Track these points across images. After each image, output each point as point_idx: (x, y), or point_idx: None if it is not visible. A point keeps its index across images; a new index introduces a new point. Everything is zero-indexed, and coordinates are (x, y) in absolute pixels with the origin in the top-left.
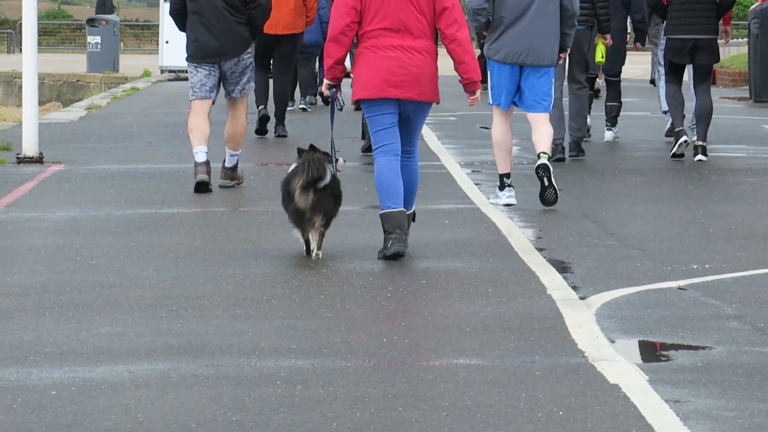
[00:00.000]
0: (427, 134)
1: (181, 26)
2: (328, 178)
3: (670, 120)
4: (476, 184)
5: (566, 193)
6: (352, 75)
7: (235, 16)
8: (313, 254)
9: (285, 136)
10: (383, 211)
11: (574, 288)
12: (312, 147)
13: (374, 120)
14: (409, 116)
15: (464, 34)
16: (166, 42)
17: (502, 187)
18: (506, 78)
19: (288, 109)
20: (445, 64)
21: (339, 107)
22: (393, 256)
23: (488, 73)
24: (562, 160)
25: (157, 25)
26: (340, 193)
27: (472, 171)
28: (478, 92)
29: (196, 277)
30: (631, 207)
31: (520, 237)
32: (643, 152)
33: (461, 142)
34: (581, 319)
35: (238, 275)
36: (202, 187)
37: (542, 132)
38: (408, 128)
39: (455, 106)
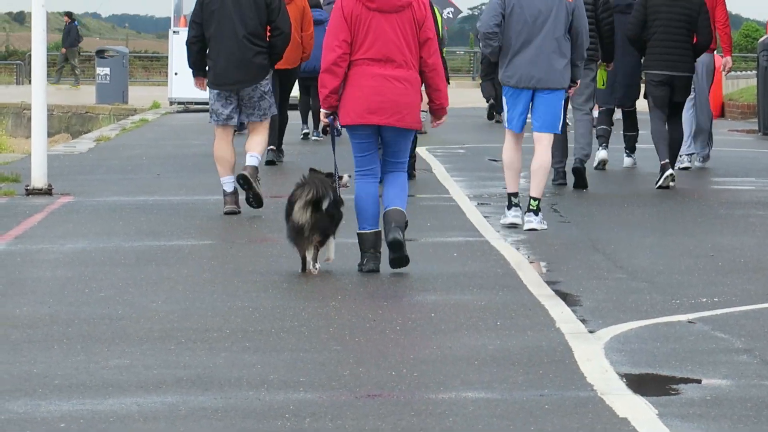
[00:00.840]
0: (436, 166)
1: (195, 55)
2: (329, 200)
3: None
4: (485, 217)
5: (575, 224)
6: None
7: (256, 45)
8: (309, 267)
9: (274, 163)
10: (359, 232)
11: (583, 321)
12: (312, 170)
13: (355, 145)
14: (390, 142)
15: (440, 62)
16: (175, 74)
17: (509, 206)
18: (520, 101)
19: (303, 137)
20: (456, 96)
21: (338, 133)
22: (369, 272)
23: (503, 99)
24: (564, 185)
25: (166, 57)
26: (340, 213)
27: (481, 203)
28: (444, 118)
29: (205, 309)
30: (641, 239)
31: (528, 269)
32: (653, 183)
33: (470, 174)
34: (590, 353)
35: (246, 307)
36: (231, 212)
37: (539, 162)
38: (391, 152)
39: (464, 138)
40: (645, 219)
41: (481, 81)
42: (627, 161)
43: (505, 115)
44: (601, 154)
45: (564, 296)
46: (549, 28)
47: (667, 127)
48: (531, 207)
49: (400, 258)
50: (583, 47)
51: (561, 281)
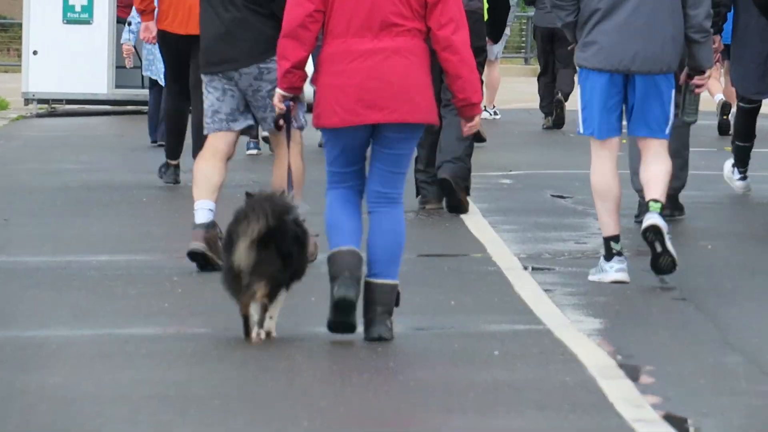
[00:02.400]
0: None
1: None
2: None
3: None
4: (545, 290)
5: (694, 301)
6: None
7: (252, 6)
8: (254, 334)
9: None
10: (330, 253)
11: None
12: (248, 195)
13: (337, 158)
14: (391, 145)
15: (462, 37)
16: (35, 53)
17: (608, 257)
18: (603, 93)
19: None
20: (500, 90)
21: (297, 126)
22: (340, 300)
23: (579, 89)
24: (675, 214)
25: (19, 25)
26: (297, 251)
27: (538, 268)
28: (478, 118)
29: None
30: None
31: (619, 378)
32: None
33: (521, 220)
34: None
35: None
36: (196, 258)
37: (654, 170)
38: (389, 162)
39: (511, 159)
40: None
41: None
42: (741, 184)
43: (579, 114)
44: (739, 185)
45: (679, 424)
46: None
47: None
48: (652, 208)
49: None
50: (704, 11)
51: (672, 397)
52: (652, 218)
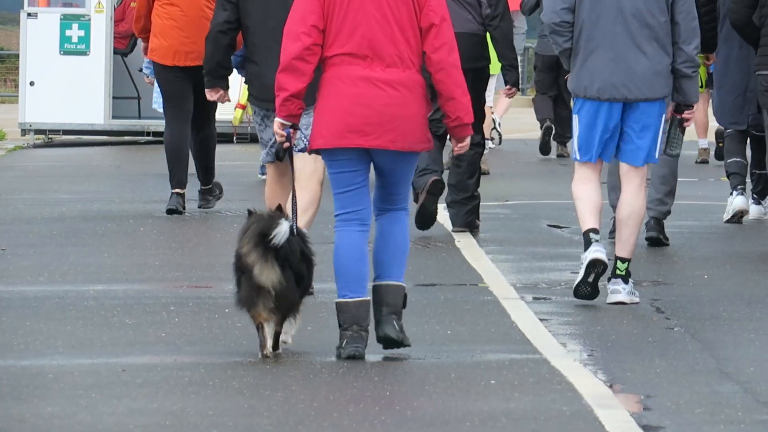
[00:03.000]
0: (463, 236)
1: (223, 52)
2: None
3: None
4: (541, 320)
5: (688, 330)
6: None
7: None
8: (267, 347)
9: (209, 206)
10: (338, 300)
11: None
12: (251, 212)
13: (335, 178)
14: (384, 171)
15: (455, 59)
16: (31, 83)
17: (587, 245)
18: (600, 120)
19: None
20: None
21: (298, 149)
22: (349, 358)
23: (573, 118)
24: (659, 242)
25: (16, 56)
26: (306, 269)
27: (535, 298)
28: (468, 139)
29: None
30: None
31: (614, 408)
32: None
33: (517, 250)
34: None
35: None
36: None
37: (628, 209)
38: (386, 185)
39: (507, 188)
40: None
41: (535, 94)
42: (755, 210)
43: (575, 141)
44: (738, 202)
45: None
46: (640, 12)
47: None
48: (618, 271)
49: (392, 346)
50: (692, 44)
51: (668, 426)
52: (617, 294)
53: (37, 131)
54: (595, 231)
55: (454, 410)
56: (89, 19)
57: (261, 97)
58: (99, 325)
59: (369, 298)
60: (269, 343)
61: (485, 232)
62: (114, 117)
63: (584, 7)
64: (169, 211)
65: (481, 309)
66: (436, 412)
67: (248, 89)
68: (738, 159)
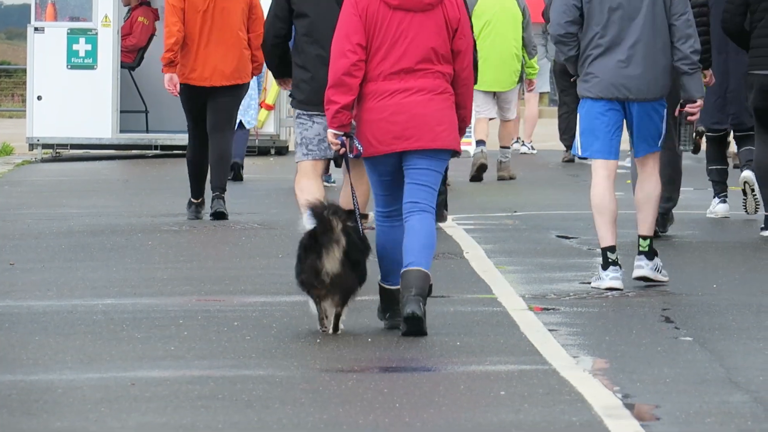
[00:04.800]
0: (470, 247)
1: (279, 60)
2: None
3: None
4: (550, 330)
5: (699, 340)
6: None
7: None
8: (325, 325)
9: (225, 215)
10: (385, 287)
11: None
12: (313, 209)
13: (377, 183)
14: (418, 169)
15: (472, 77)
16: (39, 98)
17: (605, 266)
18: (605, 120)
19: None
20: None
21: (353, 155)
22: (391, 328)
23: (578, 117)
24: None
25: (23, 71)
26: (363, 260)
27: (544, 309)
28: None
29: None
30: None
31: (624, 417)
32: None
33: (526, 261)
34: None
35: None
36: None
37: (646, 193)
38: (417, 187)
39: (515, 201)
40: None
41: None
42: (721, 208)
43: (578, 139)
44: (720, 209)
45: None
46: (645, 17)
47: None
48: (641, 248)
49: (416, 332)
50: (688, 43)
51: None
52: (640, 268)
53: (45, 146)
54: (613, 249)
55: (464, 422)
56: (96, 34)
57: (313, 102)
58: (108, 339)
59: (420, 266)
60: (329, 319)
61: (494, 243)
62: (121, 131)
63: (593, 16)
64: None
65: (490, 320)
66: (446, 424)
67: (293, 94)
68: (719, 166)
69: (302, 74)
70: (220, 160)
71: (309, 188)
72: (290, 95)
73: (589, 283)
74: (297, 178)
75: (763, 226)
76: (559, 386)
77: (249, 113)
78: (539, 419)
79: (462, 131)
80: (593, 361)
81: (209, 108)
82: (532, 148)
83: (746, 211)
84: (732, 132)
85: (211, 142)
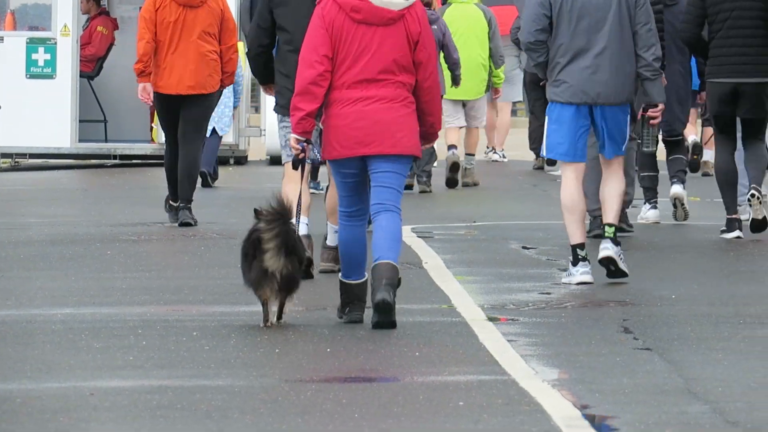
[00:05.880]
0: (430, 257)
1: (264, 67)
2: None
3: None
4: (509, 341)
5: (655, 345)
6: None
7: None
8: (268, 324)
9: (191, 224)
10: (345, 281)
11: None
12: (257, 211)
13: (341, 184)
14: (381, 173)
15: (438, 86)
16: None
17: (575, 262)
18: (573, 123)
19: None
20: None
21: (311, 160)
22: (351, 322)
23: (546, 120)
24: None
25: None
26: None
27: (503, 320)
28: (435, 140)
29: None
30: (761, 370)
31: (583, 427)
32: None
33: (485, 271)
34: None
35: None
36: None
37: (611, 190)
38: (382, 189)
39: (475, 211)
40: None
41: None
42: (652, 213)
43: (545, 140)
44: (651, 215)
45: None
46: (611, 26)
47: (744, 155)
48: (607, 234)
49: (386, 323)
50: (650, 51)
51: None
52: (606, 249)
53: (4, 155)
54: (582, 246)
55: None
56: (55, 43)
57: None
58: (67, 348)
59: (367, 278)
60: (271, 317)
61: (453, 254)
62: (80, 140)
63: (562, 24)
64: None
65: (450, 330)
66: None
67: (277, 99)
68: (651, 173)
69: (285, 81)
70: (187, 171)
71: (293, 191)
72: (276, 101)
73: (549, 293)
74: (284, 181)
75: (723, 228)
76: (518, 397)
77: (223, 120)
78: (498, 429)
79: (432, 138)
80: (552, 372)
81: (181, 118)
82: (504, 156)
83: (675, 219)
84: (662, 139)
85: (180, 152)
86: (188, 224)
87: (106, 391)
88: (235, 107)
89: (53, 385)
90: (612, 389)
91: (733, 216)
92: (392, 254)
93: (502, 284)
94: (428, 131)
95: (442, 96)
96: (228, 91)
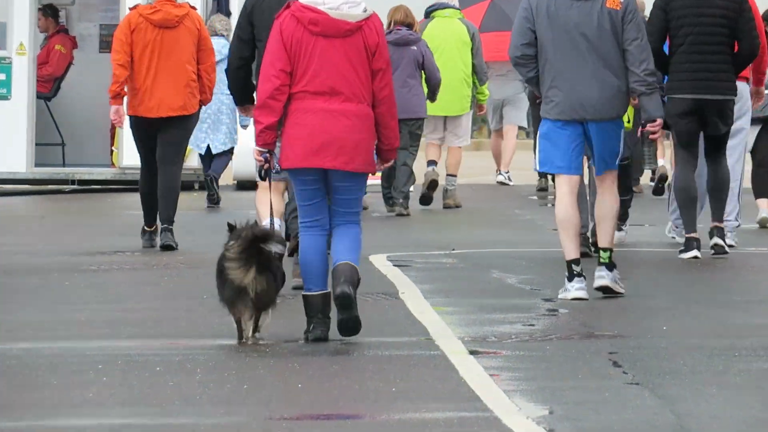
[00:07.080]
0: (406, 287)
1: (243, 83)
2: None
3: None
4: (491, 375)
5: (645, 379)
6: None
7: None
8: (247, 339)
9: (173, 247)
10: (304, 294)
11: None
12: (230, 226)
13: (299, 193)
14: (338, 188)
15: (393, 96)
16: None
17: (570, 278)
18: (566, 139)
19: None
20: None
21: (275, 170)
22: (315, 341)
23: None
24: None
25: None
26: (278, 269)
27: (484, 353)
28: (393, 159)
29: None
30: (744, 410)
31: None
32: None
33: (465, 301)
34: None
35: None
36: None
37: (605, 208)
38: (340, 201)
39: (453, 239)
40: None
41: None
42: (617, 235)
43: (537, 155)
44: (616, 236)
45: None
46: (592, 42)
47: (707, 171)
48: (602, 260)
49: (349, 320)
50: (641, 67)
51: None
52: (602, 279)
53: None
54: (577, 262)
55: None
56: (11, 62)
57: None
58: (23, 385)
59: (329, 290)
60: (245, 333)
61: (431, 283)
62: (37, 165)
63: (544, 41)
64: (164, 247)
65: (428, 364)
66: None
67: None
68: (623, 197)
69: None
70: (167, 193)
71: (266, 200)
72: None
73: (533, 324)
74: (257, 192)
75: (682, 248)
76: None
77: (218, 137)
78: None
79: (389, 155)
80: (537, 408)
81: (159, 140)
82: (509, 179)
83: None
84: None
85: (160, 174)
86: (170, 247)
87: (65, 431)
88: (244, 126)
89: (7, 425)
90: (600, 426)
91: (692, 235)
92: (351, 255)
93: (483, 315)
94: (384, 148)
95: (424, 118)
96: (224, 105)
